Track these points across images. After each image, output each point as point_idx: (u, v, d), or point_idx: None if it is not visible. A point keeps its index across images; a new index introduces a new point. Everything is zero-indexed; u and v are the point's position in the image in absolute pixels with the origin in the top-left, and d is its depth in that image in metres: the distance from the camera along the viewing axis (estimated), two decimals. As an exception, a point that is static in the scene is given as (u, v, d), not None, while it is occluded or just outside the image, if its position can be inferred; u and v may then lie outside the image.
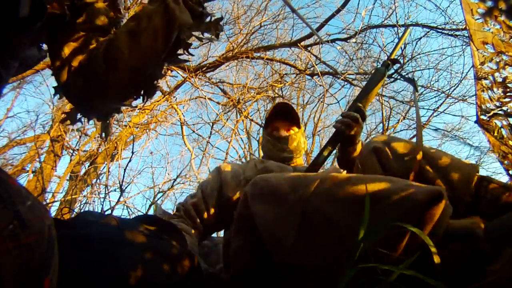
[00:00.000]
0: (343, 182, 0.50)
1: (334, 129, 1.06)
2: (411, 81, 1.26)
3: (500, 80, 0.94)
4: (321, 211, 0.48)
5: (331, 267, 0.45)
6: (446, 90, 4.18)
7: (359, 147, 1.07)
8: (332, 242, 0.46)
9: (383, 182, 0.48)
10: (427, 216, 0.45)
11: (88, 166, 4.04)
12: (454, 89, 4.12)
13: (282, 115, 1.31)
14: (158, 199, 4.39)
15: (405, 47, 3.83)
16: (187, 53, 0.66)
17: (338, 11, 3.74)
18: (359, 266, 0.42)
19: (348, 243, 0.44)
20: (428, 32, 3.86)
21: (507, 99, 0.93)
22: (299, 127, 1.33)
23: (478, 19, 0.93)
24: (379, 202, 0.46)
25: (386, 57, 1.28)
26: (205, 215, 1.05)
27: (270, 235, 0.50)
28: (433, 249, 0.40)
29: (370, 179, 0.48)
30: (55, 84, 0.63)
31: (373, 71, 1.24)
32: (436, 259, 0.40)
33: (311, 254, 0.46)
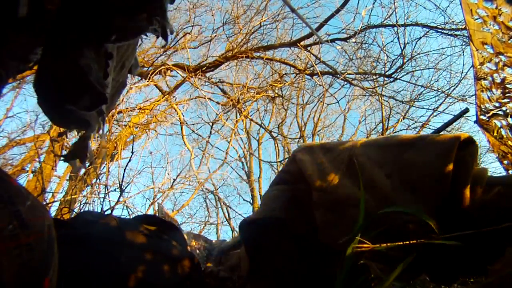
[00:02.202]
0: (381, 138, 0.63)
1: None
2: None
3: (499, 81, 0.94)
4: (366, 155, 0.58)
5: (374, 196, 0.53)
6: (446, 90, 4.18)
7: None
8: (382, 181, 0.54)
9: (415, 135, 0.62)
10: (460, 157, 0.50)
11: (88, 166, 4.04)
12: (454, 89, 4.12)
13: None
14: (158, 199, 4.39)
15: (404, 47, 3.83)
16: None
17: (337, 11, 3.74)
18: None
19: (389, 175, 0.54)
20: (428, 32, 3.86)
21: (506, 100, 0.93)
22: None
23: (477, 19, 0.93)
24: (413, 145, 0.55)
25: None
26: None
27: (317, 174, 0.60)
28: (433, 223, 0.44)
29: (407, 135, 0.61)
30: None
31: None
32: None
33: (355, 187, 0.55)
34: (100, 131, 0.64)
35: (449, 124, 1.28)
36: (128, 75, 0.71)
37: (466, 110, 1.43)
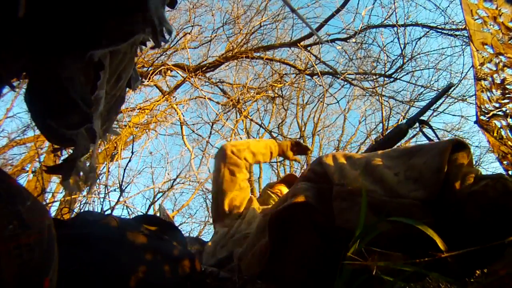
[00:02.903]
0: (394, 149, 0.73)
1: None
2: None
3: (498, 81, 0.94)
4: (382, 161, 0.69)
5: (383, 187, 0.63)
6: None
7: None
8: (390, 177, 0.64)
9: (421, 144, 0.71)
10: (453, 158, 0.60)
11: (88, 166, 4.03)
12: (454, 89, 4.12)
13: (287, 184, 1.57)
14: (158, 199, 4.39)
15: (404, 47, 3.83)
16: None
17: (337, 11, 3.74)
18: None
19: (396, 174, 0.64)
20: (428, 32, 3.86)
21: (505, 100, 0.94)
22: None
23: (477, 19, 0.94)
24: (416, 152, 0.65)
25: (413, 115, 1.31)
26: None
27: (338, 173, 0.71)
28: (431, 232, 0.45)
29: (414, 145, 0.72)
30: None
31: (395, 126, 1.34)
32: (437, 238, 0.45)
33: (372, 184, 0.65)
34: (91, 151, 0.55)
35: (435, 101, 1.27)
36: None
37: (450, 85, 1.44)
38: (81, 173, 0.55)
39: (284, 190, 1.53)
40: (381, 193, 0.62)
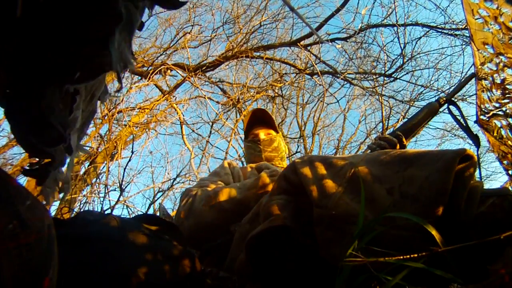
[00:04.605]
0: (385, 154, 0.61)
1: (369, 150, 1.04)
2: (474, 136, 1.10)
3: (499, 81, 0.94)
4: (368, 170, 0.57)
5: (374, 211, 0.52)
6: (446, 90, 4.18)
7: None
8: (382, 196, 0.53)
9: (418, 150, 0.59)
10: (458, 172, 0.51)
11: (88, 166, 4.04)
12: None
13: (259, 123, 1.39)
14: (158, 198, 4.39)
15: (404, 47, 3.83)
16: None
17: (337, 10, 3.74)
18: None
19: (390, 191, 0.53)
20: (428, 31, 3.86)
21: (505, 100, 0.93)
22: (276, 132, 1.40)
23: (478, 19, 0.93)
24: (415, 162, 0.55)
25: (445, 95, 1.15)
26: None
27: (318, 190, 0.58)
28: (434, 232, 0.43)
29: (408, 150, 0.60)
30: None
31: (425, 104, 1.15)
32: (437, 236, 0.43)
33: (355, 203, 0.55)
34: (65, 167, 0.57)
35: (458, 90, 1.16)
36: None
37: (472, 76, 1.29)
38: (59, 182, 0.56)
39: (260, 132, 1.35)
40: (373, 218, 0.51)
